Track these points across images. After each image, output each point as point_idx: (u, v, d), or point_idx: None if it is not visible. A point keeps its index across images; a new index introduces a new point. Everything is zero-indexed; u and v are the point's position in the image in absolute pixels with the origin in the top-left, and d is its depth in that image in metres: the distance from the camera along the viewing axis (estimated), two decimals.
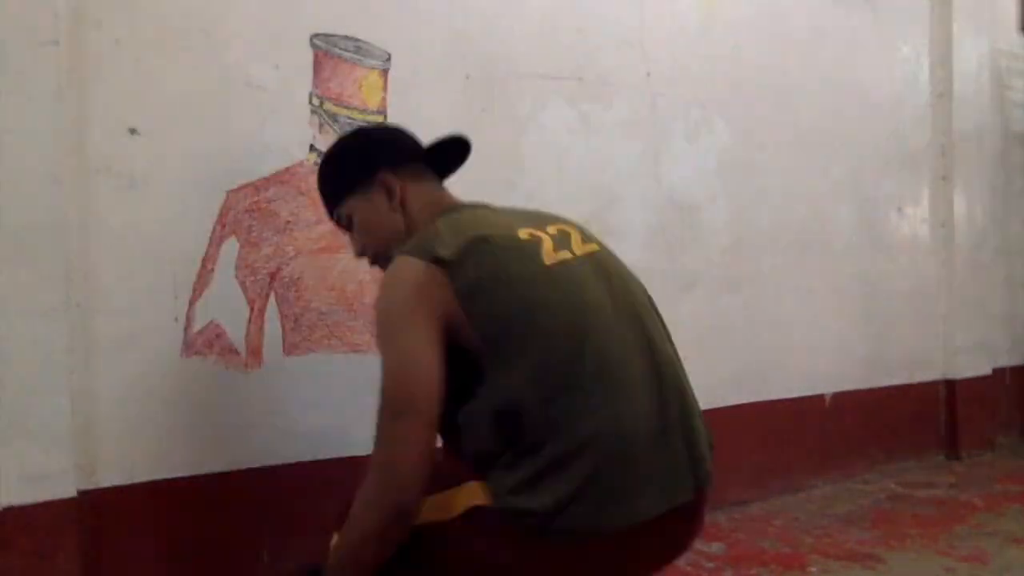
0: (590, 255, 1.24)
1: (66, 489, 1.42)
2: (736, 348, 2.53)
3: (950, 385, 3.15)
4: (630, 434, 1.11)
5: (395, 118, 1.87)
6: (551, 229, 1.24)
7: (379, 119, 1.85)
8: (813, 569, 1.96)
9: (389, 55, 1.87)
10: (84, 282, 1.49)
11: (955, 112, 3.15)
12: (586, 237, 1.28)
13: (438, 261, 1.13)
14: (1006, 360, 3.43)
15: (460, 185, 1.99)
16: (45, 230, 1.41)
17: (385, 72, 1.87)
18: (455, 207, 1.31)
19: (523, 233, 1.20)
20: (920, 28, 3.13)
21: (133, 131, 1.55)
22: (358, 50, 1.82)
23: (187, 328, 1.60)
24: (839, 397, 2.80)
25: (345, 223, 1.37)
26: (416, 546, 1.08)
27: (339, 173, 1.36)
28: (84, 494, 1.47)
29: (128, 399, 1.53)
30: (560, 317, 1.13)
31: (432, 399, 1.07)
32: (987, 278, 3.29)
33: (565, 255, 1.21)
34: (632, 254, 2.26)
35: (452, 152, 1.42)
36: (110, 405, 1.51)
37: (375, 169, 1.32)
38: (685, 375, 1.24)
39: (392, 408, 1.08)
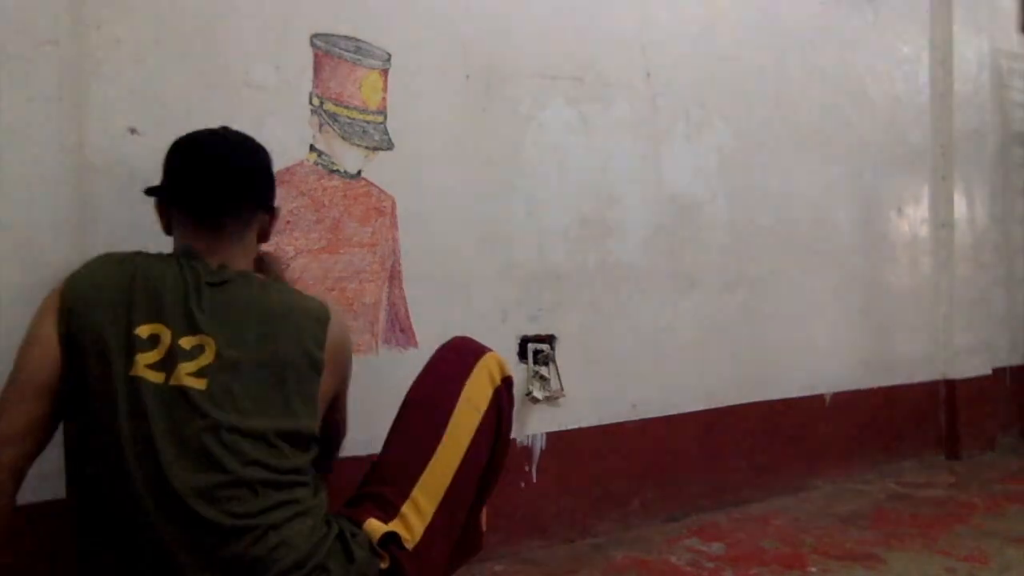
0: (187, 388, 1.09)
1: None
2: (736, 348, 2.53)
3: (950, 385, 3.15)
4: None
5: (395, 118, 1.88)
6: (185, 342, 1.11)
7: (379, 119, 1.85)
8: (813, 569, 1.96)
9: (389, 55, 1.87)
10: None
11: (955, 112, 3.15)
12: (204, 369, 1.11)
13: (59, 313, 1.12)
14: (1006, 360, 3.44)
15: (462, 185, 2.01)
16: (45, 230, 1.42)
17: (385, 72, 1.87)
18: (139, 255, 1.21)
19: (142, 331, 1.11)
20: (920, 28, 3.13)
21: (133, 131, 1.55)
22: (358, 50, 1.83)
23: None
24: (839, 397, 2.80)
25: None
26: None
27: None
28: None
29: None
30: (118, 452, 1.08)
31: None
32: (987, 278, 3.29)
33: (156, 377, 1.09)
34: (632, 254, 2.31)
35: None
36: None
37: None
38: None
39: None
